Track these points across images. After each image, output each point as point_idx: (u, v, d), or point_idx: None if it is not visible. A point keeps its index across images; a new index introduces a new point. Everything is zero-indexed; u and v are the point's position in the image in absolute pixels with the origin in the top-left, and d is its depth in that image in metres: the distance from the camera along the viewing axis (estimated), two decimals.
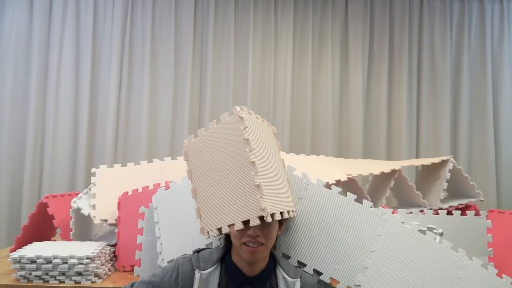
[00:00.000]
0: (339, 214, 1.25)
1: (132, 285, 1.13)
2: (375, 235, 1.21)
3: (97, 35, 3.51)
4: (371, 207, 1.25)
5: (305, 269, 1.20)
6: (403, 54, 3.62)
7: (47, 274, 1.42)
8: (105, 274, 1.51)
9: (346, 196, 1.27)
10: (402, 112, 3.58)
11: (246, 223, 1.03)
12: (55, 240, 1.96)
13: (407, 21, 3.65)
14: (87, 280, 1.43)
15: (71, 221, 1.81)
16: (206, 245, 1.27)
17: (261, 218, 1.01)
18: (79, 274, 1.43)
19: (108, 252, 1.58)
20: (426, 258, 1.17)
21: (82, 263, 1.42)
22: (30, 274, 1.42)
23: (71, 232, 1.80)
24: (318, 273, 1.21)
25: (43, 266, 1.41)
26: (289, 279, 1.13)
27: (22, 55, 3.43)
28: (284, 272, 1.14)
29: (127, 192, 1.76)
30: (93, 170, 1.97)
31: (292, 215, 1.16)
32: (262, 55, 3.59)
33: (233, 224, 1.04)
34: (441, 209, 1.92)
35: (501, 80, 3.64)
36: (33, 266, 1.42)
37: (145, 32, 3.52)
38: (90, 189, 1.94)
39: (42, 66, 3.44)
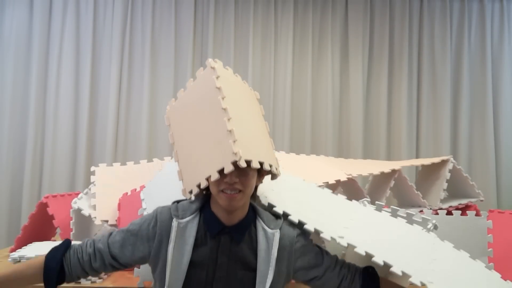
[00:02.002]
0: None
1: (111, 234, 1.12)
2: (349, 219, 1.23)
3: (97, 35, 3.51)
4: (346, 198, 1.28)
5: (290, 218, 1.18)
6: (403, 54, 3.62)
7: None
8: (105, 274, 1.51)
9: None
10: (402, 112, 3.58)
11: (222, 173, 1.02)
12: (55, 240, 1.96)
13: (407, 21, 3.65)
14: (87, 280, 1.43)
15: (71, 221, 1.80)
16: None
17: (236, 165, 0.99)
18: None
19: None
20: (401, 235, 1.19)
21: None
22: None
23: (71, 233, 1.79)
24: (300, 224, 1.17)
25: None
26: (268, 230, 1.10)
27: (22, 55, 3.43)
28: (264, 223, 1.12)
29: (127, 193, 1.76)
30: (92, 168, 1.96)
31: (274, 171, 1.12)
32: (262, 55, 3.59)
33: (210, 176, 1.03)
34: (441, 209, 1.92)
35: (501, 80, 3.64)
36: None
37: (145, 32, 3.52)
38: (90, 189, 1.94)
39: (42, 66, 3.44)
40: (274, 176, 1.18)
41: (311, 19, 3.62)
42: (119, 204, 1.74)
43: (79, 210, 1.79)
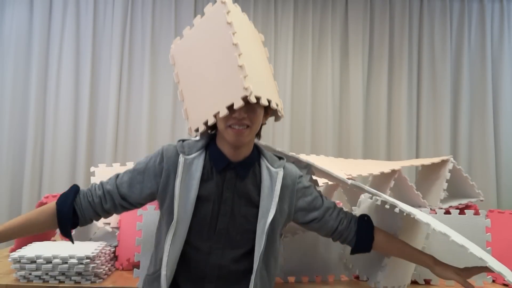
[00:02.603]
0: None
1: (118, 175, 1.15)
2: None
3: (97, 35, 3.52)
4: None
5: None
6: (403, 53, 3.62)
7: (47, 274, 1.42)
8: (105, 274, 1.51)
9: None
10: (402, 112, 3.58)
11: (230, 109, 1.03)
12: (55, 240, 1.96)
13: (407, 20, 3.65)
14: (87, 280, 1.43)
15: None
16: None
17: (246, 100, 1.00)
18: (79, 274, 1.42)
19: (108, 252, 1.58)
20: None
21: (82, 263, 1.42)
22: (30, 274, 1.42)
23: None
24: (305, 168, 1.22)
25: (43, 266, 1.41)
26: (272, 168, 1.14)
27: (22, 55, 3.43)
28: (268, 162, 1.15)
29: None
30: (92, 169, 1.96)
31: (280, 111, 1.15)
32: None
33: (219, 112, 1.04)
34: (441, 208, 1.91)
35: (501, 80, 3.65)
36: (33, 266, 1.41)
37: (145, 31, 3.52)
38: None
39: (42, 66, 3.44)
40: (277, 118, 1.20)
41: (311, 18, 3.62)
42: None
43: None
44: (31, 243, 1.64)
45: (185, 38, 1.18)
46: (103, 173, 1.95)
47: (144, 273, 1.41)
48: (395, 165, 2.24)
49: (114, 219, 1.78)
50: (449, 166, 2.11)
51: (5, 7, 3.45)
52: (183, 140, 1.16)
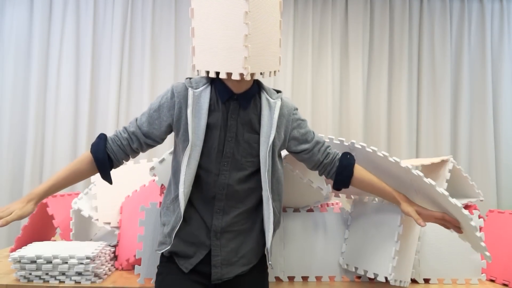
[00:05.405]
0: None
1: (136, 119, 1.29)
2: None
3: (97, 35, 3.52)
4: None
5: None
6: (403, 53, 3.62)
7: (47, 274, 1.43)
8: (105, 274, 1.51)
9: None
10: (402, 112, 3.58)
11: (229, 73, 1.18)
12: (55, 240, 1.96)
13: (407, 20, 3.65)
14: (87, 280, 1.43)
15: (71, 221, 1.80)
16: None
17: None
18: (79, 274, 1.43)
19: (108, 252, 1.58)
20: None
21: (82, 263, 1.42)
22: (30, 274, 1.42)
23: (71, 233, 1.79)
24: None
25: (43, 266, 1.42)
26: (271, 99, 1.29)
27: (22, 55, 3.44)
28: (267, 94, 1.30)
29: (128, 196, 1.77)
30: (92, 179, 1.95)
31: (272, 75, 1.26)
32: None
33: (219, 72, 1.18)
34: None
35: (501, 80, 3.65)
36: (33, 266, 1.42)
37: (145, 31, 3.52)
38: (90, 189, 1.94)
39: (42, 65, 3.44)
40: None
41: (311, 18, 3.62)
42: (121, 208, 1.75)
43: (79, 211, 1.79)
44: (31, 243, 1.64)
45: None
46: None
47: (145, 270, 1.42)
48: None
49: (114, 219, 1.78)
50: (449, 166, 2.11)
51: (5, 7, 3.45)
52: (190, 78, 1.29)
